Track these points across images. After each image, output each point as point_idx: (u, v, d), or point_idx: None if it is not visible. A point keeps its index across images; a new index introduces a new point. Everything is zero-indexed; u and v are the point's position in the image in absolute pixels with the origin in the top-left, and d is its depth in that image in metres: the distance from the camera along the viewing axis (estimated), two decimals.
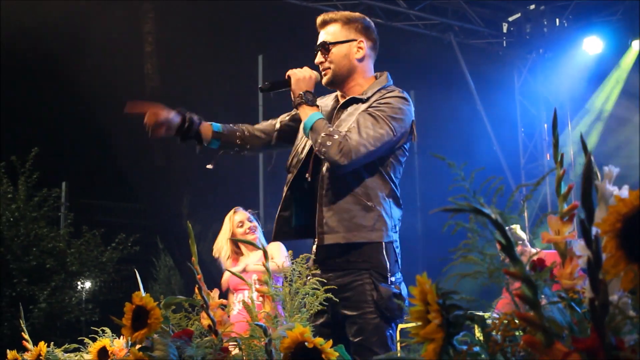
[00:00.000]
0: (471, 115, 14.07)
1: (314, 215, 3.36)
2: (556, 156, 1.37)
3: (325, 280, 2.22)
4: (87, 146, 18.46)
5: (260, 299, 2.08)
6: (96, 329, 2.90)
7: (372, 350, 3.14)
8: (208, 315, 2.00)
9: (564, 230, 1.30)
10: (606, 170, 1.17)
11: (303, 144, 3.52)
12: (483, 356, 1.19)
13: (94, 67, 16.28)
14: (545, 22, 14.01)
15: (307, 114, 3.37)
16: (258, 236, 6.13)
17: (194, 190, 18.53)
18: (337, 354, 1.65)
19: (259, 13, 14.20)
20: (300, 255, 2.22)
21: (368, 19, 3.59)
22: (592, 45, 13.16)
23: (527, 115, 14.52)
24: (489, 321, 1.22)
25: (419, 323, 1.20)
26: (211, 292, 2.09)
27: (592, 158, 1.10)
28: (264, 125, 3.80)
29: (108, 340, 2.78)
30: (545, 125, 14.21)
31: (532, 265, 1.28)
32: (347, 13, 3.58)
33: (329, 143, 3.20)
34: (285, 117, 3.75)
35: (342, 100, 3.51)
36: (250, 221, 6.18)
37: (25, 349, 3.08)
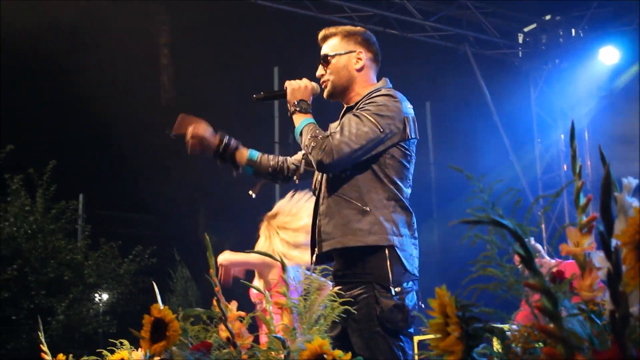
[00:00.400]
0: (487, 126, 14.02)
1: None
2: (574, 168, 1.37)
3: (341, 293, 2.23)
4: (104, 158, 18.53)
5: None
6: (114, 341, 2.91)
7: None
8: (226, 327, 2.00)
9: (583, 242, 1.29)
10: (625, 182, 1.17)
11: None
12: None
13: (110, 80, 16.35)
14: (561, 33, 13.96)
15: (299, 121, 3.46)
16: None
17: (210, 202, 18.55)
18: None
19: (275, 25, 14.22)
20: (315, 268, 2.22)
21: (369, 33, 3.70)
22: (609, 55, 13.09)
23: (543, 125, 14.45)
24: (508, 333, 1.21)
25: (439, 335, 1.20)
26: (229, 303, 2.09)
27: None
28: (299, 154, 3.87)
29: (126, 353, 2.78)
30: (562, 136, 14.14)
31: (551, 277, 1.27)
32: (347, 27, 3.71)
33: (313, 144, 3.29)
34: None
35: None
36: None
37: None
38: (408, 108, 3.46)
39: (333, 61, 3.57)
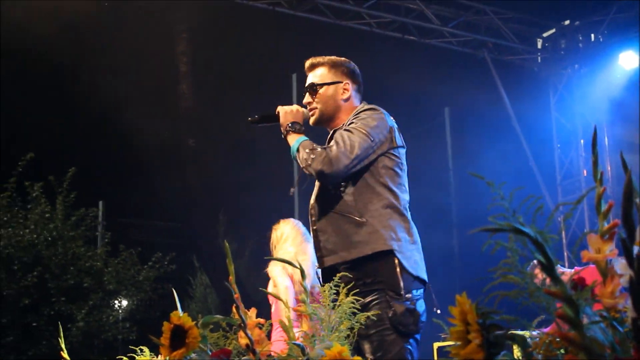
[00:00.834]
0: (506, 132, 13.98)
1: None
2: (595, 174, 1.36)
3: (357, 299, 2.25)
4: (123, 166, 18.62)
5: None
6: (134, 347, 2.92)
7: None
8: (246, 334, 2.00)
9: (605, 248, 1.28)
10: None
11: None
12: None
13: (129, 89, 16.43)
14: (580, 38, 13.92)
15: (293, 140, 3.59)
16: None
17: (229, 208, 18.59)
18: None
19: (293, 32, 14.26)
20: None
21: (353, 64, 3.83)
22: (628, 60, 13.04)
23: (563, 131, 14.41)
24: (529, 341, 1.21)
25: (459, 343, 1.19)
26: (248, 310, 2.09)
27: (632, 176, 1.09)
28: None
29: (146, 359, 2.79)
30: (582, 141, 14.08)
31: (573, 284, 1.27)
32: (333, 58, 3.82)
33: (312, 156, 3.41)
34: None
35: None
36: None
37: None
38: (391, 120, 3.62)
39: (321, 90, 3.72)
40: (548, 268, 1.09)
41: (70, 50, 15.80)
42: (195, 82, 20.12)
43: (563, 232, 12.58)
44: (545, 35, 14.32)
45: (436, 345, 8.08)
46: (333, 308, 2.12)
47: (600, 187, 1.35)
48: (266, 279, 5.42)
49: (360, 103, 3.75)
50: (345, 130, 3.48)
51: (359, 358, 1.66)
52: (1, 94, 14.43)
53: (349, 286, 2.36)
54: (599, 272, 1.29)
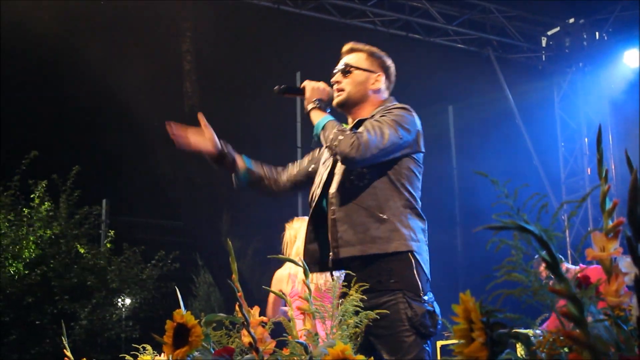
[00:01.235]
0: (511, 130, 13.97)
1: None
2: (600, 172, 1.36)
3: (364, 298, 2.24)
4: (127, 164, 18.62)
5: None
6: (137, 346, 2.92)
7: None
8: (249, 332, 1.99)
9: (610, 246, 1.28)
10: None
11: (320, 177, 3.65)
12: None
13: (134, 87, 16.44)
14: (585, 36, 13.90)
15: (319, 117, 3.52)
16: None
17: (232, 207, 18.57)
18: None
19: (297, 30, 14.26)
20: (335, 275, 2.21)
21: (391, 61, 3.78)
22: (633, 58, 13.01)
23: (567, 129, 14.39)
24: (533, 339, 1.20)
25: (463, 341, 1.19)
26: (252, 309, 2.09)
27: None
28: (293, 168, 3.98)
29: (149, 358, 2.79)
30: (586, 140, 14.06)
31: (577, 282, 1.26)
32: (374, 48, 3.77)
33: (341, 137, 3.33)
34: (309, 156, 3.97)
35: (351, 123, 3.63)
36: None
37: None
38: (419, 124, 3.57)
39: (354, 73, 3.66)
40: (552, 266, 1.08)
41: (74, 48, 15.82)
42: (200, 81, 20.13)
43: (567, 231, 12.58)
44: (549, 33, 14.31)
45: (439, 343, 8.07)
46: (339, 305, 2.11)
47: (605, 185, 1.35)
48: (269, 276, 5.41)
49: (388, 99, 3.71)
50: (376, 120, 3.43)
51: (362, 357, 1.65)
52: (4, 92, 14.45)
53: (361, 283, 2.35)
54: (603, 270, 1.29)
